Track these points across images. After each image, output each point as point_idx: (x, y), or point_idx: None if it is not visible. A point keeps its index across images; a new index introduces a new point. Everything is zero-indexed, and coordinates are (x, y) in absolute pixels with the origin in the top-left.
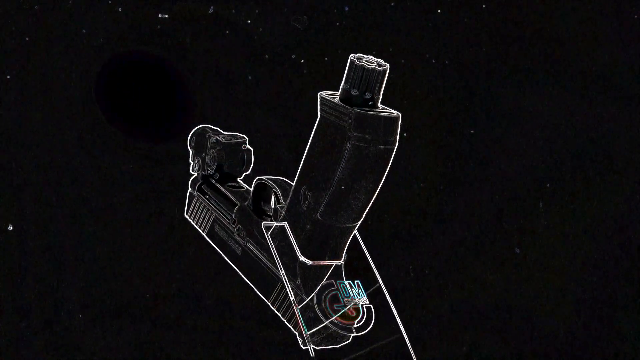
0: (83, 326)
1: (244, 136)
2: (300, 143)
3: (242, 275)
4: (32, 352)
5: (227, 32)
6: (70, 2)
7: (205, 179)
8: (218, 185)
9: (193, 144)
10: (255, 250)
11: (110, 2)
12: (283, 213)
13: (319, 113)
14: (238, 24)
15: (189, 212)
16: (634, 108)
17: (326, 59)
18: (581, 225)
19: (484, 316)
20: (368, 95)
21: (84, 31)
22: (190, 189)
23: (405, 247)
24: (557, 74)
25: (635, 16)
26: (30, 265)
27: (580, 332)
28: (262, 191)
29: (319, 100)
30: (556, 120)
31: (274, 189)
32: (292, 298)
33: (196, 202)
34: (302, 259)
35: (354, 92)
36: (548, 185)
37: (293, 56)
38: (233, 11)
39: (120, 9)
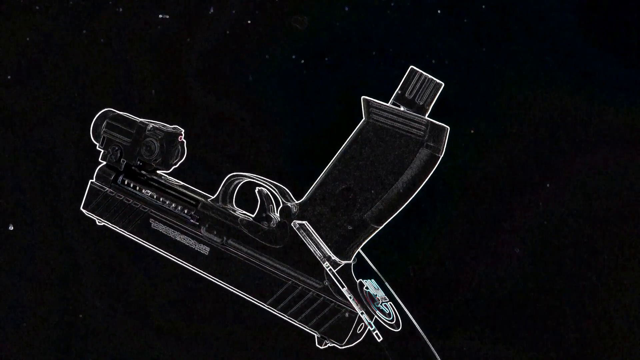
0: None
1: (177, 126)
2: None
3: (210, 275)
4: None
5: (227, 31)
6: (70, 2)
7: (127, 169)
8: (156, 177)
9: (103, 130)
10: (240, 250)
11: (110, 2)
12: (297, 212)
13: (370, 118)
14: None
15: (93, 206)
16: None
17: (326, 59)
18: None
19: (484, 315)
20: (428, 106)
21: (84, 31)
22: (95, 181)
23: (404, 247)
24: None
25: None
26: None
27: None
28: (232, 189)
29: (369, 105)
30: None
31: (272, 189)
32: (348, 295)
33: (111, 195)
34: (335, 258)
35: (419, 102)
36: (548, 185)
37: (293, 56)
38: (233, 11)
39: (120, 9)
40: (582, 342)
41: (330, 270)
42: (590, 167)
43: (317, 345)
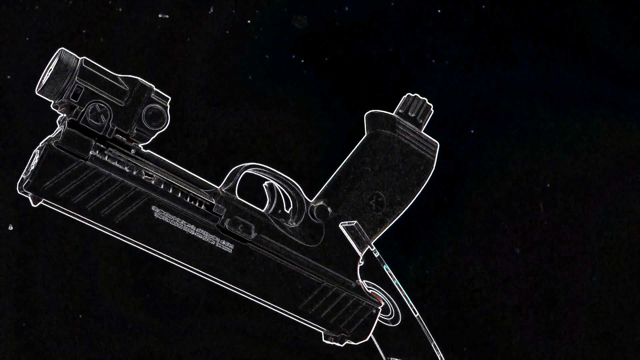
0: None
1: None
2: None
3: (235, 278)
4: None
5: (227, 31)
6: (70, 2)
7: (112, 140)
8: (155, 155)
9: (77, 78)
10: (272, 247)
11: (110, 2)
12: (332, 212)
13: (396, 133)
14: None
15: (53, 183)
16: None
17: (326, 59)
18: (583, 226)
19: (484, 316)
20: (424, 122)
21: (84, 31)
22: (61, 146)
23: (405, 247)
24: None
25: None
26: None
27: (582, 335)
28: (233, 181)
29: (395, 121)
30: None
31: (294, 186)
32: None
33: (90, 169)
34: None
35: (418, 119)
36: (548, 185)
37: (293, 56)
38: (233, 11)
39: (120, 9)
40: (581, 341)
41: (379, 257)
42: (589, 168)
43: (338, 344)
